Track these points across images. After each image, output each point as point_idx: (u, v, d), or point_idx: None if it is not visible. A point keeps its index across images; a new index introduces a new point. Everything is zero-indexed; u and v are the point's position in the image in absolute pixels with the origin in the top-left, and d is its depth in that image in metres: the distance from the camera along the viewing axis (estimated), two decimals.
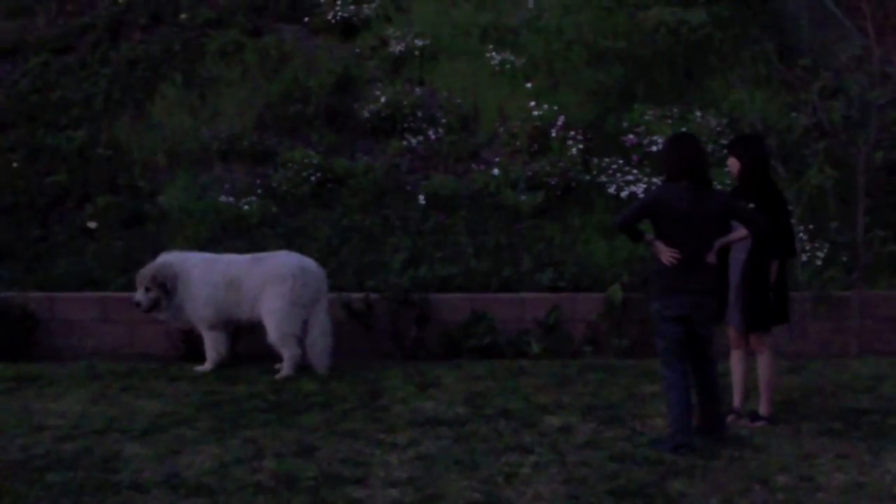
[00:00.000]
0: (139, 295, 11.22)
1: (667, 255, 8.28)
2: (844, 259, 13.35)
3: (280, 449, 8.31)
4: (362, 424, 9.04)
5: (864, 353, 12.30)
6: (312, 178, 14.83)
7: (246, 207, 14.27)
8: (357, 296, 12.21)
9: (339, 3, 19.10)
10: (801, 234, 13.55)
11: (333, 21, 18.84)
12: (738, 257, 8.97)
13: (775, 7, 20.18)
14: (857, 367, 11.72)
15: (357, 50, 18.17)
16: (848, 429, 8.99)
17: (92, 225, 14.23)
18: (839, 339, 12.56)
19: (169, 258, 11.48)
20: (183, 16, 18.88)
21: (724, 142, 14.73)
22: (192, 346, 11.67)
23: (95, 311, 12.48)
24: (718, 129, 15.58)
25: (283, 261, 11.23)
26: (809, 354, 12.23)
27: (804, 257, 13.37)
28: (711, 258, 8.38)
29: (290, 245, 12.80)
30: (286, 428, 8.93)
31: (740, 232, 8.58)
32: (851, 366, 11.77)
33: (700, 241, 8.32)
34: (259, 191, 14.81)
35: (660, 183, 8.83)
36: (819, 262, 13.44)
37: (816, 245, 13.65)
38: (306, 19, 19.12)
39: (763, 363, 9.18)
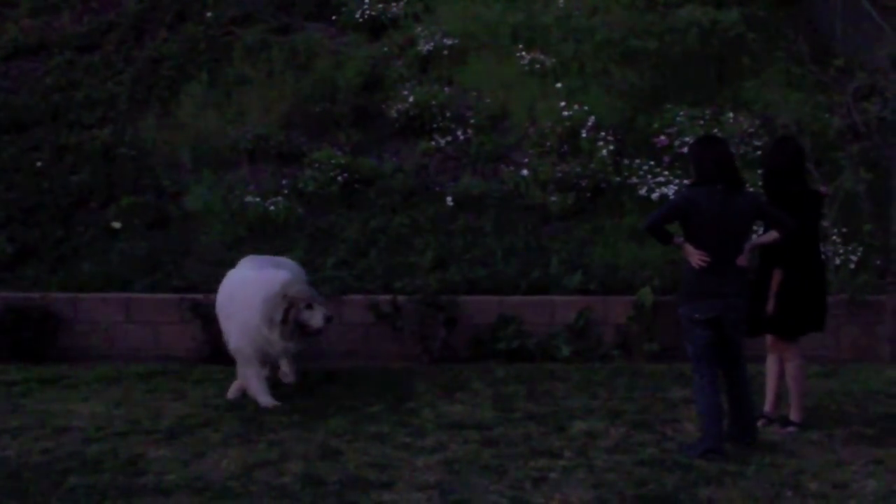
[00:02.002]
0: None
1: (696, 257, 8.21)
2: (878, 262, 13.20)
3: (305, 452, 8.25)
4: (389, 428, 8.96)
5: None
6: (339, 179, 14.73)
7: (272, 208, 14.18)
8: (385, 298, 12.13)
9: (367, 1, 19.02)
10: (834, 238, 13.41)
11: (361, 19, 18.75)
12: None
13: (809, 7, 20.02)
14: (889, 372, 11.63)
15: (385, 49, 18.08)
16: (881, 435, 8.92)
17: (116, 225, 14.16)
18: (872, 344, 12.43)
19: None
20: (209, 13, 18.80)
21: (757, 143, 14.63)
22: (216, 348, 11.59)
23: (119, 312, 12.42)
24: (751, 130, 15.43)
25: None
26: (842, 359, 12.13)
27: (837, 261, 13.24)
28: (742, 261, 8.28)
29: (314, 247, 12.72)
30: (312, 431, 8.86)
31: (771, 234, 8.48)
32: (884, 371, 11.67)
33: (730, 244, 8.26)
34: (285, 191, 14.71)
35: (689, 185, 8.71)
36: (852, 266, 13.30)
37: (850, 248, 13.50)
38: (334, 17, 19.03)
39: (792, 369, 9.07)
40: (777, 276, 8.80)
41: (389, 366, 11.52)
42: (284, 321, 9.43)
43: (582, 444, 8.50)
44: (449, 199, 14.54)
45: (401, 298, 12.07)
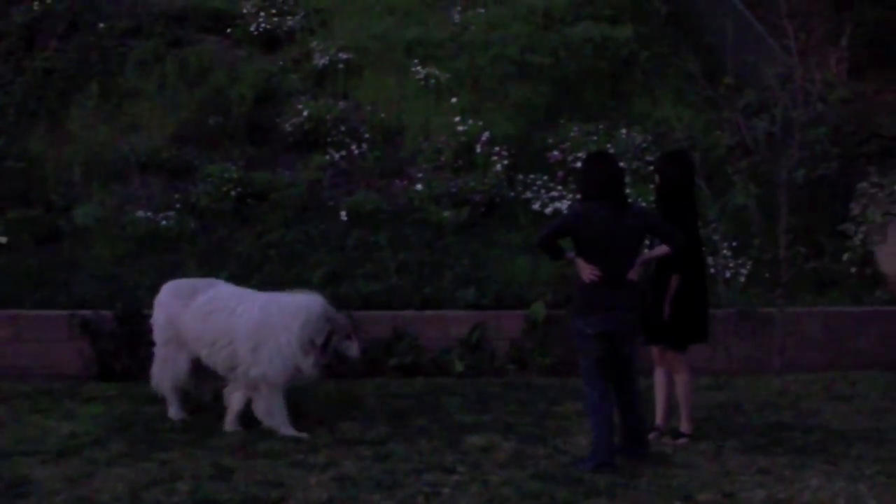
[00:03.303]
0: None
1: (587, 272, 8.25)
2: (767, 276, 13.42)
3: (196, 471, 8.11)
4: (280, 445, 8.87)
5: (787, 370, 12.39)
6: (233, 193, 14.61)
7: (164, 223, 14.01)
8: None
9: (261, 14, 18.90)
10: (724, 252, 13.62)
11: (256, 33, 18.64)
12: (650, 275, 8.98)
13: (700, 25, 20.32)
14: (779, 383, 11.88)
15: (280, 62, 17.98)
16: (769, 445, 9.09)
17: (3, 240, 13.84)
18: (762, 356, 12.64)
19: None
20: (101, 25, 18.49)
21: (650, 158, 14.82)
22: (105, 366, 11.39)
23: (7, 329, 12.07)
24: (644, 145, 15.64)
25: None
26: (732, 371, 12.32)
27: (727, 274, 13.44)
28: (632, 275, 8.35)
29: (207, 262, 12.58)
30: (202, 449, 8.73)
31: (661, 249, 8.56)
32: (774, 382, 11.91)
33: (621, 259, 8.32)
34: (177, 206, 14.54)
35: (580, 200, 8.78)
36: (742, 280, 13.52)
37: (740, 262, 13.72)
38: (228, 30, 18.88)
39: (681, 381, 9.20)
40: (674, 283, 8.92)
41: None
42: (324, 346, 9.18)
43: (475, 459, 8.49)
44: (343, 213, 14.50)
45: None
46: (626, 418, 8.58)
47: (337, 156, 15.69)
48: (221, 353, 9.37)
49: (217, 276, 12.58)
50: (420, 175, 15.29)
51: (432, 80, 17.23)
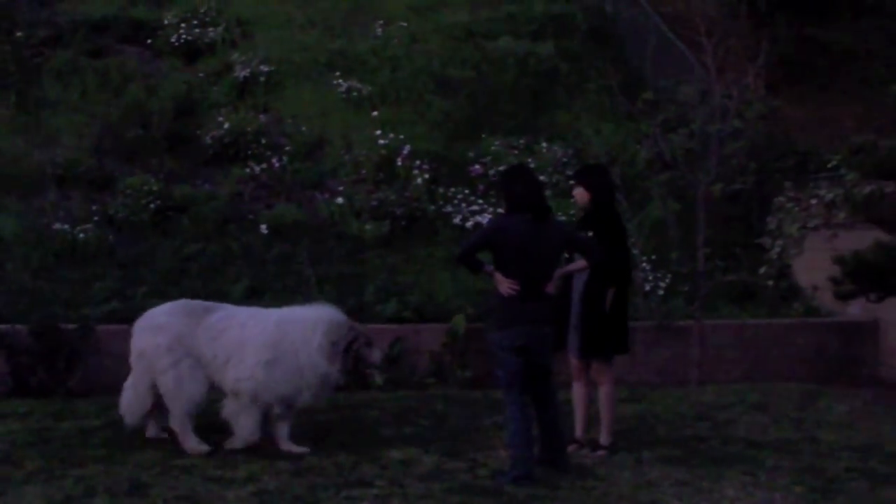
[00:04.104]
0: None
1: (505, 285, 8.24)
2: (685, 289, 13.55)
3: (112, 487, 8.00)
4: (198, 460, 8.77)
5: (704, 381, 12.49)
6: (152, 206, 14.50)
7: (82, 235, 13.85)
8: None
9: (183, 25, 18.81)
10: (643, 265, 13.74)
11: (177, 44, 18.58)
12: (578, 288, 9.01)
13: (621, 41, 20.54)
14: (697, 394, 11.96)
15: (201, 74, 17.92)
16: (687, 456, 9.13)
17: None
18: (680, 368, 12.74)
19: None
20: (19, 33, 18.29)
21: (570, 172, 14.91)
22: (20, 381, 11.23)
23: None
24: (564, 159, 15.74)
25: None
26: (651, 383, 12.41)
27: (647, 287, 13.55)
28: (550, 288, 8.38)
29: (126, 275, 12.46)
30: (119, 465, 8.60)
31: (579, 263, 8.61)
32: (692, 394, 11.99)
33: (539, 272, 8.32)
34: (96, 218, 14.41)
35: (500, 214, 8.80)
36: (661, 293, 13.64)
37: (658, 275, 13.83)
38: (149, 41, 18.80)
39: (604, 393, 9.24)
40: (610, 297, 8.99)
41: None
42: (346, 351, 8.95)
43: (395, 473, 8.45)
44: (263, 226, 14.46)
45: None
46: (545, 431, 8.58)
47: (258, 168, 15.63)
48: (232, 371, 9.04)
49: (136, 291, 12.54)
50: (341, 188, 15.28)
51: (354, 94, 17.24)
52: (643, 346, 12.52)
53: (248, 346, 9.02)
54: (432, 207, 14.96)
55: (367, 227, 14.41)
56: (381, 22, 19.95)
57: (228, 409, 9.14)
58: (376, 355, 9.24)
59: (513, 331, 8.29)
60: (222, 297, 12.43)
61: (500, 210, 14.35)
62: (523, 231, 8.24)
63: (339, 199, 14.92)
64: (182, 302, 9.58)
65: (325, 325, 8.98)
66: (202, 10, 19.59)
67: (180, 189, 14.97)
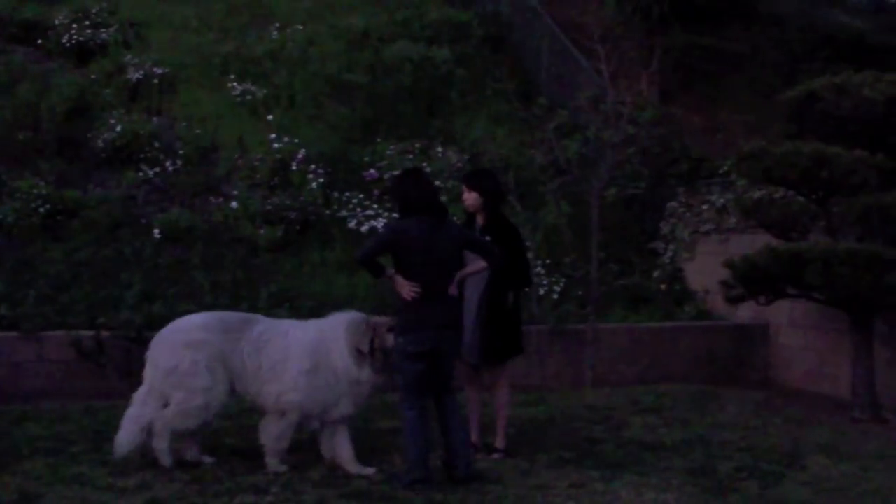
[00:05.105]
0: None
1: (407, 289, 8.22)
2: (580, 292, 13.68)
3: (0, 497, 7.86)
4: (90, 469, 8.64)
5: (598, 385, 12.63)
6: (42, 210, 14.20)
7: None
8: (88, 334, 11.72)
9: (74, 26, 18.53)
10: (538, 269, 13.84)
11: (68, 45, 18.31)
12: (472, 291, 9.04)
13: (518, 47, 20.68)
14: (591, 398, 12.10)
15: (93, 76, 17.65)
16: (581, 458, 9.26)
17: None
18: (574, 371, 12.87)
19: None
20: None
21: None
22: None
23: None
24: (459, 164, 15.79)
25: None
26: (546, 386, 12.52)
27: (541, 291, 13.65)
28: (453, 290, 8.38)
29: (15, 280, 12.24)
30: (8, 475, 8.42)
31: (479, 264, 8.63)
32: (586, 397, 12.12)
33: (440, 275, 8.31)
34: None
35: (397, 217, 8.75)
36: (556, 296, 13.75)
37: (553, 279, 13.94)
38: (39, 41, 18.47)
39: (499, 397, 9.30)
40: (511, 299, 9.05)
41: (92, 404, 11.11)
42: (372, 352, 8.62)
43: (289, 479, 8.42)
44: (156, 231, 14.27)
45: (105, 334, 11.70)
46: (448, 435, 8.55)
47: (151, 172, 15.45)
48: (275, 382, 8.65)
49: (25, 296, 12.29)
50: (235, 193, 15.15)
51: (249, 97, 17.14)
52: (538, 349, 12.61)
53: (290, 354, 8.67)
54: (327, 212, 14.92)
55: (262, 231, 14.33)
56: (277, 25, 19.87)
57: (268, 430, 8.74)
58: (390, 340, 8.70)
59: (417, 335, 8.26)
60: (115, 302, 12.31)
61: (396, 215, 14.41)
62: (423, 233, 8.23)
63: (234, 204, 14.80)
64: (210, 316, 9.06)
65: (344, 325, 8.69)
66: (94, 11, 19.32)
67: (71, 193, 14.70)
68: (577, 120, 15.88)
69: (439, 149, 16.26)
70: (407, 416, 8.36)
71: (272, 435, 8.69)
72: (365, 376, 8.61)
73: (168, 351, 8.68)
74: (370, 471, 8.65)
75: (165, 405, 8.62)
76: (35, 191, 14.36)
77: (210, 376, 8.56)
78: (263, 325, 8.84)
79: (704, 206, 15.15)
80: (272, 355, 8.64)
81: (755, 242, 12.59)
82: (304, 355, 8.60)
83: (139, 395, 8.80)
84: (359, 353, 8.60)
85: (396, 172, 14.96)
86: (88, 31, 18.62)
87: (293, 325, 8.97)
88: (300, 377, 8.55)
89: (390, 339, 8.57)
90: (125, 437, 8.67)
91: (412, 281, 8.23)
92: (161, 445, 8.61)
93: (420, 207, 8.33)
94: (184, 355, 8.57)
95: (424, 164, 15.27)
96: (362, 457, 8.84)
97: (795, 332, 13.70)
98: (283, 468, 8.64)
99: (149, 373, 8.77)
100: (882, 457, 9.83)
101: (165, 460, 8.62)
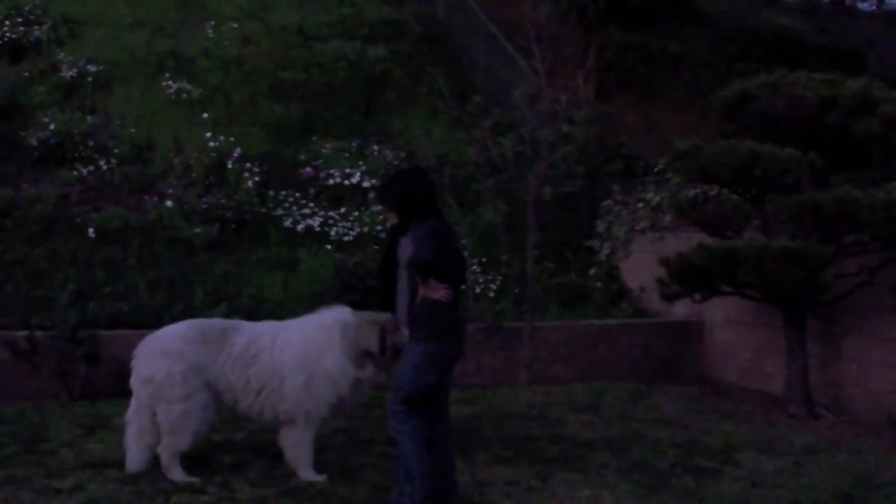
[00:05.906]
0: None
1: (442, 292, 7.54)
2: (516, 291, 13.72)
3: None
4: (24, 470, 8.54)
5: (535, 382, 12.66)
6: None
7: None
8: (21, 334, 11.58)
9: (6, 23, 18.33)
10: (474, 267, 13.86)
11: (1, 42, 18.08)
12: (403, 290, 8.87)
13: (454, 46, 20.72)
14: (527, 395, 12.12)
15: (25, 73, 17.48)
16: (518, 456, 9.29)
17: None
18: (511, 369, 12.89)
19: None
20: None
21: None
22: None
23: None
24: (395, 163, 15.81)
25: None
26: (482, 385, 12.52)
27: (477, 289, 13.67)
28: (446, 294, 7.69)
29: None
30: None
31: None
32: (522, 395, 12.15)
33: (460, 277, 7.90)
34: None
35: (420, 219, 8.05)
36: (492, 295, 13.78)
37: (489, 277, 13.97)
38: None
39: None
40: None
41: (26, 405, 11.01)
42: (382, 349, 8.31)
43: (225, 478, 8.38)
44: (90, 230, 14.17)
45: (38, 334, 11.56)
46: (439, 450, 7.90)
47: (85, 171, 15.33)
48: (271, 398, 8.50)
49: None
50: (170, 191, 15.08)
51: (184, 95, 17.05)
52: (474, 348, 12.61)
53: (282, 367, 8.48)
54: (263, 210, 14.88)
55: (197, 230, 14.26)
56: (212, 23, 19.79)
57: (288, 440, 8.58)
58: (400, 337, 8.23)
59: (449, 340, 7.68)
60: (48, 302, 12.21)
61: (333, 213, 14.39)
62: (447, 235, 7.75)
63: (169, 203, 14.71)
64: (189, 325, 8.87)
65: (340, 329, 8.43)
66: (27, 8, 19.14)
67: (4, 192, 14.57)
68: (513, 118, 15.93)
69: (375, 147, 16.26)
70: (410, 442, 7.62)
71: (292, 446, 8.55)
72: (366, 375, 8.45)
73: (146, 360, 8.60)
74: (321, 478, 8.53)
75: (154, 414, 8.49)
76: None
77: (186, 386, 8.39)
78: (246, 337, 8.61)
79: (640, 205, 15.25)
80: (262, 374, 8.46)
81: (690, 240, 12.67)
82: (297, 370, 8.42)
83: (129, 413, 8.64)
84: (367, 355, 8.37)
85: (333, 171, 15.00)
86: (21, 28, 18.45)
87: (276, 334, 8.67)
88: (299, 392, 8.40)
89: (401, 337, 8.11)
90: (135, 457, 8.56)
91: (444, 284, 7.61)
92: (173, 474, 8.39)
93: (431, 209, 7.75)
94: (160, 365, 8.45)
95: (360, 163, 15.26)
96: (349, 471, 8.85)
97: (730, 329, 13.82)
98: (321, 477, 8.47)
99: (133, 382, 8.67)
100: (815, 452, 9.95)
101: (182, 478, 8.41)
